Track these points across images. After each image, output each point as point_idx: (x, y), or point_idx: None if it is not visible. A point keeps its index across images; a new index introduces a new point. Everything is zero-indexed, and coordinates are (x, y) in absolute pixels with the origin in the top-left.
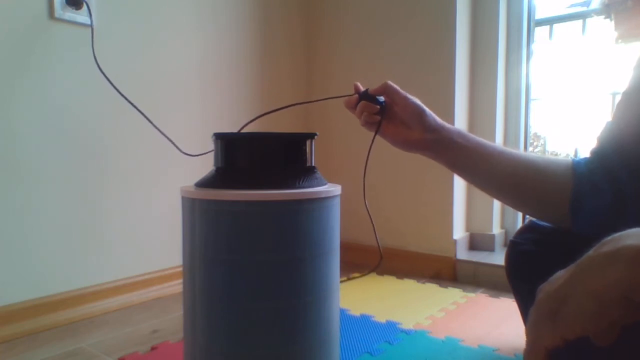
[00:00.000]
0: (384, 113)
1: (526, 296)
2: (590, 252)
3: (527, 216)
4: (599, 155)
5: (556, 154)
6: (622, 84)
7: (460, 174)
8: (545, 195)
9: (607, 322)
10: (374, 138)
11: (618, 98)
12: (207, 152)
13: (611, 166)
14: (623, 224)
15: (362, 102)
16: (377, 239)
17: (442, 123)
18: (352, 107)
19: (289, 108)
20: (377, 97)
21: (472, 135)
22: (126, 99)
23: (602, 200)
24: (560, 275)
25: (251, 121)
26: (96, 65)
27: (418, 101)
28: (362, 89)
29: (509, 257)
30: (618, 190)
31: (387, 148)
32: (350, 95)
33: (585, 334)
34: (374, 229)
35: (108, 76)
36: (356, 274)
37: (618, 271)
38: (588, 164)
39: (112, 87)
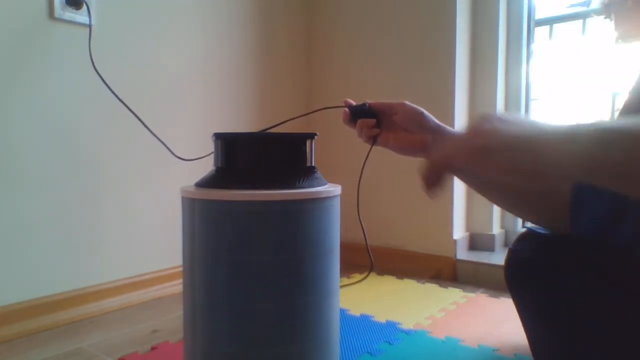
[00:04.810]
0: (380, 125)
1: (526, 304)
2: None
3: (527, 222)
4: None
5: None
6: (622, 86)
7: (461, 177)
8: (545, 199)
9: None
10: (369, 151)
11: (618, 99)
12: (200, 158)
13: None
14: (623, 229)
15: (361, 120)
16: (368, 250)
17: (441, 124)
18: (349, 123)
19: (288, 109)
20: (369, 110)
21: None
22: (120, 100)
23: (602, 204)
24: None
25: (268, 128)
26: (95, 66)
27: (415, 105)
28: (352, 102)
29: (508, 265)
30: (620, 194)
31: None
32: (342, 107)
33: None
34: (365, 239)
35: (108, 76)
36: (356, 274)
37: None
38: None
39: (112, 87)
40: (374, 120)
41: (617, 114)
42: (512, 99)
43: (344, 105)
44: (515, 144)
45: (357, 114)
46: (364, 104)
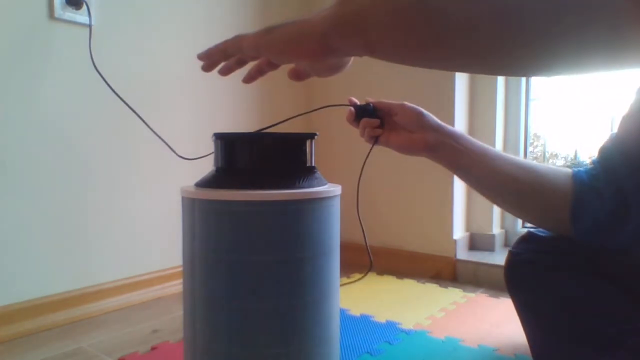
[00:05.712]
0: (383, 125)
1: (526, 305)
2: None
3: (526, 223)
4: (602, 163)
5: (556, 155)
6: (625, 85)
7: (462, 177)
8: (545, 200)
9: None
10: (370, 150)
11: (617, 96)
12: (203, 156)
13: (616, 173)
14: (624, 231)
15: (364, 120)
16: (368, 250)
17: (442, 123)
18: (353, 122)
19: (288, 109)
20: (373, 110)
21: (474, 139)
22: (122, 99)
23: (604, 206)
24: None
25: (269, 127)
26: (96, 66)
27: (414, 105)
28: (356, 101)
29: (508, 267)
30: (621, 197)
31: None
32: (346, 105)
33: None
34: (365, 239)
35: (108, 76)
36: (356, 274)
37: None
38: (590, 171)
39: (112, 86)
40: (377, 121)
41: (621, 116)
42: (512, 99)
43: (348, 103)
44: None
45: (362, 113)
46: (368, 104)
